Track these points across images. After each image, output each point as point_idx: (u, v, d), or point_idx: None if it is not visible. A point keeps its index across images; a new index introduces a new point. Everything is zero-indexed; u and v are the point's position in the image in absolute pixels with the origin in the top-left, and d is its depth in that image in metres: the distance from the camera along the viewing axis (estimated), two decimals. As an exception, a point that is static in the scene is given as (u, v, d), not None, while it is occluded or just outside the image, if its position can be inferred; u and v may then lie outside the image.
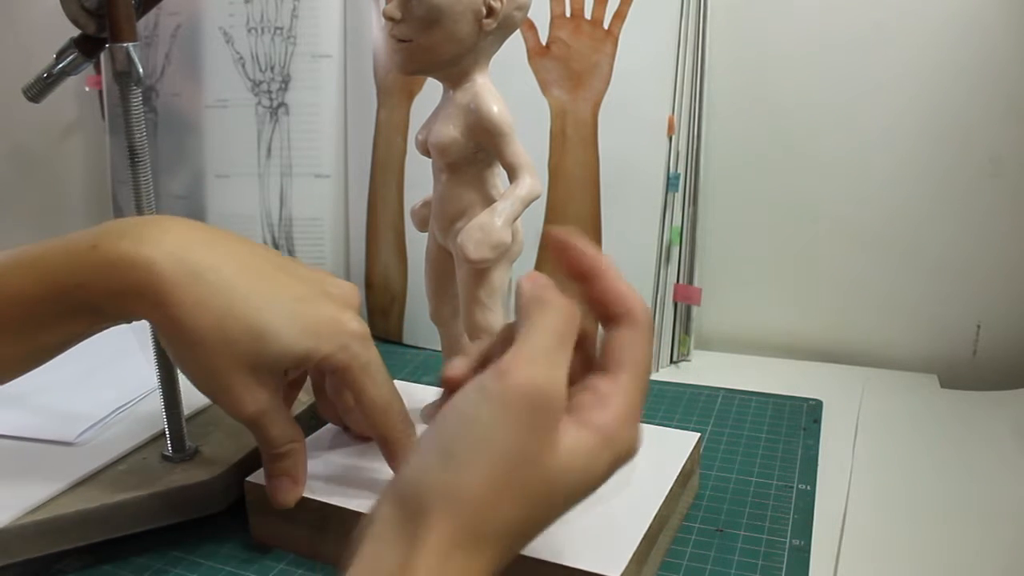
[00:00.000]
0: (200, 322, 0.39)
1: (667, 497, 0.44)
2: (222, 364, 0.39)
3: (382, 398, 0.43)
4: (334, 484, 0.46)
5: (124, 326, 0.69)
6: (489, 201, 0.45)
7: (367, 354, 0.42)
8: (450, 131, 0.43)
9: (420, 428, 0.52)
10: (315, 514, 0.44)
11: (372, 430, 0.44)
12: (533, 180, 0.42)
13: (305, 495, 0.45)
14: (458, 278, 0.46)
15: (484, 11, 0.41)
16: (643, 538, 0.41)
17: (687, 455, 0.48)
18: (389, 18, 0.42)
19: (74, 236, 0.40)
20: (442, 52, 0.42)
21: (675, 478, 0.46)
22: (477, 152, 0.44)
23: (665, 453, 0.49)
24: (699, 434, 0.51)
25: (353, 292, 0.45)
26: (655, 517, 0.43)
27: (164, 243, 0.39)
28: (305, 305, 0.42)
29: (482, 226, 0.41)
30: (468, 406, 0.31)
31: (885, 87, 0.68)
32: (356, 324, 0.42)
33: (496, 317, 0.44)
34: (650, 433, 0.51)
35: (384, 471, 0.48)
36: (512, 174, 0.43)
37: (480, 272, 0.43)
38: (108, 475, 0.48)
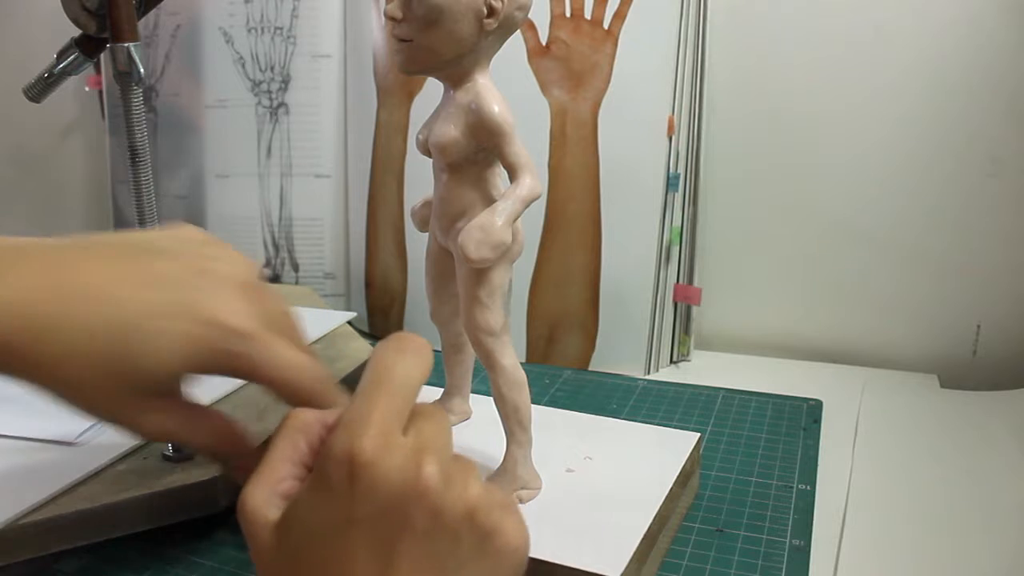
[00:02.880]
0: (64, 375, 0.35)
1: (667, 497, 0.45)
2: (102, 402, 0.36)
3: (286, 378, 0.37)
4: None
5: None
6: (490, 201, 0.45)
7: (252, 348, 0.36)
8: (451, 131, 0.43)
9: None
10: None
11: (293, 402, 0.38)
12: (533, 180, 0.42)
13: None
14: (458, 278, 0.46)
15: (485, 11, 0.41)
16: (643, 538, 0.41)
17: (687, 455, 0.48)
18: (390, 18, 0.42)
19: None
20: (443, 52, 0.42)
21: (675, 478, 0.46)
22: (478, 152, 0.44)
23: (665, 453, 0.49)
24: (699, 434, 0.51)
25: (240, 263, 0.38)
26: (655, 517, 0.43)
27: (3, 294, 0.34)
28: (173, 305, 0.35)
29: (482, 226, 0.41)
30: None
31: (885, 87, 0.68)
32: (234, 318, 0.36)
33: (496, 316, 0.44)
34: (650, 433, 0.52)
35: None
36: (513, 174, 0.43)
37: (480, 272, 0.43)
38: (108, 475, 0.48)
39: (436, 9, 0.41)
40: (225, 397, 0.57)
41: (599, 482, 0.46)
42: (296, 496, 0.31)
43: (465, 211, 0.45)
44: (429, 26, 0.41)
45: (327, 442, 0.30)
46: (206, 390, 0.56)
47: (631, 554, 0.40)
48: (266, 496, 0.32)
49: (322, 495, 0.30)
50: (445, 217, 0.46)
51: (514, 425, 0.45)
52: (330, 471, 0.29)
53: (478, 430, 0.52)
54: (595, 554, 0.39)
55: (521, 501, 0.44)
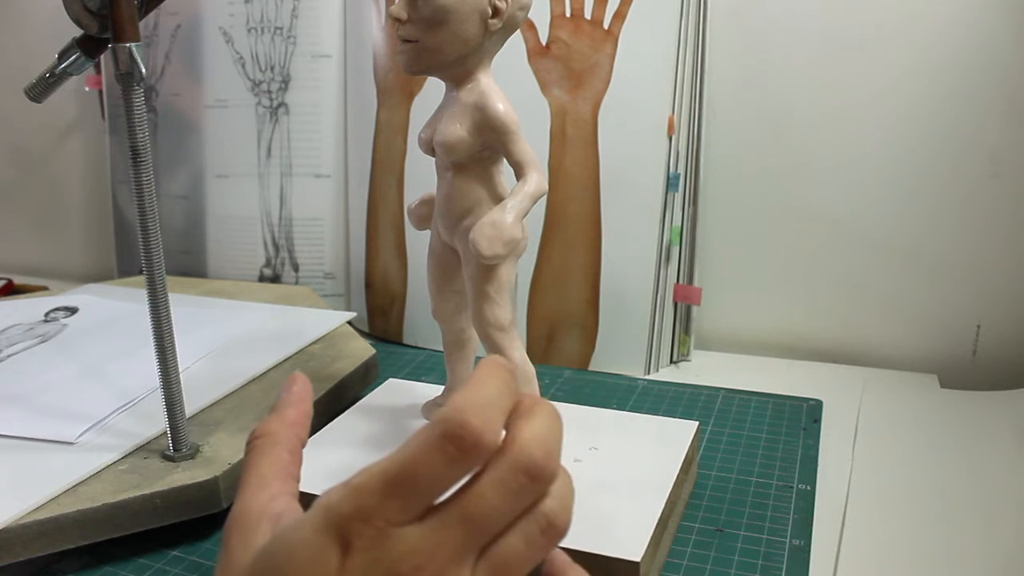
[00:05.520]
0: None
1: (675, 483, 0.46)
2: None
3: None
4: (335, 480, 0.46)
5: (124, 323, 0.69)
6: (496, 198, 0.45)
7: None
8: (457, 130, 0.44)
9: (420, 423, 0.53)
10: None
11: None
12: (540, 177, 0.43)
13: (307, 491, 0.45)
14: (465, 274, 0.46)
15: (490, 11, 0.41)
16: (658, 522, 0.42)
17: (688, 443, 0.50)
18: (395, 19, 0.42)
19: None
20: (448, 52, 0.42)
21: (680, 464, 0.47)
22: (483, 150, 0.44)
23: (667, 442, 0.50)
24: (697, 423, 0.52)
25: None
26: (666, 502, 0.44)
27: None
28: None
29: (494, 223, 0.41)
30: None
31: (885, 86, 0.68)
32: None
33: (505, 312, 0.45)
34: (651, 424, 0.53)
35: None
36: (519, 171, 0.43)
37: (488, 268, 0.44)
38: (109, 475, 0.48)
39: (443, 10, 0.41)
40: (225, 397, 0.57)
41: (607, 471, 0.47)
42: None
43: (471, 209, 0.45)
44: (435, 27, 0.41)
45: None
46: (202, 393, 0.56)
47: (648, 538, 0.40)
48: (263, 515, 0.32)
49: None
50: (451, 215, 0.46)
51: None
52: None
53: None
54: (614, 540, 0.40)
55: None
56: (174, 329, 0.48)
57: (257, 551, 0.30)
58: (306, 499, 0.44)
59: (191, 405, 0.52)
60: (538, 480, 0.28)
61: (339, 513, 0.28)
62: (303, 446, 0.35)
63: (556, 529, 0.29)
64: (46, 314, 0.73)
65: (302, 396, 0.36)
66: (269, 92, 0.81)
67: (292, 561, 0.28)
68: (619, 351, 0.70)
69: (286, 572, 0.28)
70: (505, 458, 0.28)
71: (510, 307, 0.45)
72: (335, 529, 0.27)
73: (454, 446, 0.27)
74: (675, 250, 0.70)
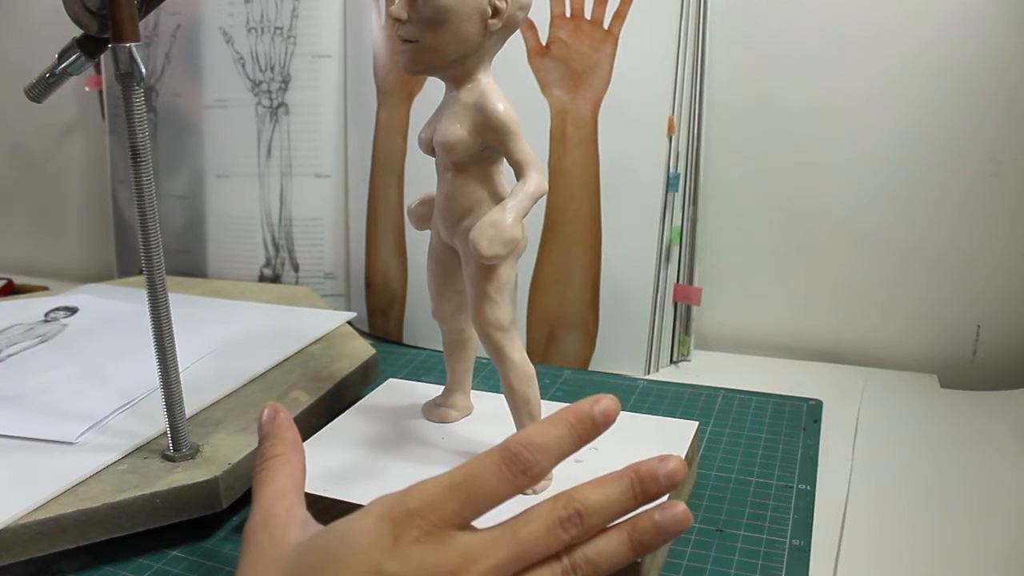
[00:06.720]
0: None
1: None
2: None
3: None
4: (335, 480, 0.46)
5: (124, 323, 0.69)
6: (496, 198, 0.45)
7: None
8: (457, 130, 0.44)
9: (421, 423, 0.53)
10: (315, 507, 0.45)
11: None
12: (540, 177, 0.43)
13: (308, 492, 0.45)
14: (465, 274, 0.46)
15: (490, 11, 0.41)
16: None
17: (688, 442, 0.49)
18: (395, 19, 0.42)
19: None
20: (448, 52, 0.42)
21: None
22: (484, 150, 0.44)
23: (668, 440, 0.50)
24: (697, 423, 0.52)
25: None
26: (667, 500, 0.43)
27: None
28: None
29: (494, 223, 0.41)
30: None
31: (885, 87, 0.68)
32: None
33: (505, 312, 0.45)
34: (651, 423, 0.53)
35: (384, 466, 0.48)
36: (519, 171, 0.43)
37: (488, 268, 0.44)
38: (108, 475, 0.48)
39: (442, 10, 0.41)
40: (225, 397, 0.57)
41: (608, 471, 0.46)
42: (324, 530, 0.33)
43: (472, 209, 0.45)
44: (435, 27, 0.41)
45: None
46: (202, 393, 0.56)
47: None
48: (290, 518, 0.35)
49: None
50: (451, 215, 0.46)
51: (525, 418, 0.46)
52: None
53: (481, 425, 0.52)
54: None
55: (535, 493, 0.44)
56: (174, 329, 0.48)
57: (301, 543, 0.33)
58: (307, 499, 0.45)
59: (191, 405, 0.52)
60: (580, 527, 0.33)
61: (400, 507, 0.32)
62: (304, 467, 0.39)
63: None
64: (46, 314, 0.73)
65: (291, 423, 0.40)
66: (269, 92, 0.81)
67: (345, 546, 0.31)
68: (619, 351, 0.70)
69: (337, 557, 0.31)
70: (560, 500, 0.33)
71: (510, 307, 0.45)
72: (391, 522, 0.31)
73: (507, 468, 0.32)
74: (675, 250, 0.70)
